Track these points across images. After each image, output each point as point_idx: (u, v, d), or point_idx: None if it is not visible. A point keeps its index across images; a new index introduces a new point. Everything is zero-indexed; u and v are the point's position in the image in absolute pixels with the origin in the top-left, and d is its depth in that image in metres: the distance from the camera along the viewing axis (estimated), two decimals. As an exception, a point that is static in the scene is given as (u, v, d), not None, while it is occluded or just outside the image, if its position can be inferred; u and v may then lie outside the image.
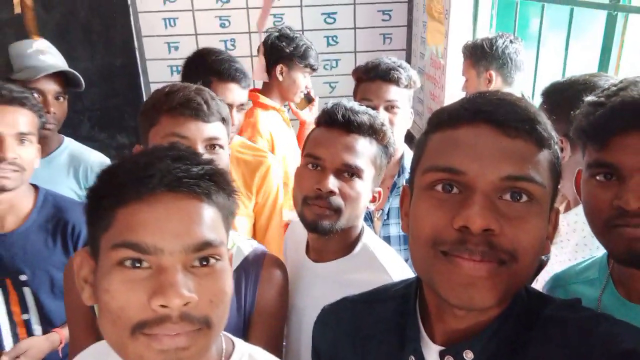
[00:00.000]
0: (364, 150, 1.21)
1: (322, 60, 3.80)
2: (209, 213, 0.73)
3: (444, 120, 0.74)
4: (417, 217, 0.73)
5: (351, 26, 3.82)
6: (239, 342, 0.88)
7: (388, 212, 1.76)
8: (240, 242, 1.25)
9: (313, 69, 2.39)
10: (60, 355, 1.57)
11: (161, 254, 0.68)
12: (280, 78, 2.30)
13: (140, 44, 3.81)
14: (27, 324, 1.55)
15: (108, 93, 3.79)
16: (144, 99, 2.03)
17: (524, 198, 0.68)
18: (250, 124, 2.23)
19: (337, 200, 1.19)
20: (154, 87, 3.41)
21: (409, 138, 1.90)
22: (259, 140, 2.21)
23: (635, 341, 0.67)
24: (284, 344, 1.30)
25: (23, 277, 1.51)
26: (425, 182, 0.73)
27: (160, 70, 3.85)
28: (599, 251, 0.97)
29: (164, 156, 0.73)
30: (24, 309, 1.53)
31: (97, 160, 1.98)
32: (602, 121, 0.88)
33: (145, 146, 1.27)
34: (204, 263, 0.71)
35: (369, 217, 1.75)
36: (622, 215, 0.86)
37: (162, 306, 0.67)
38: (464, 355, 0.72)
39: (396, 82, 1.73)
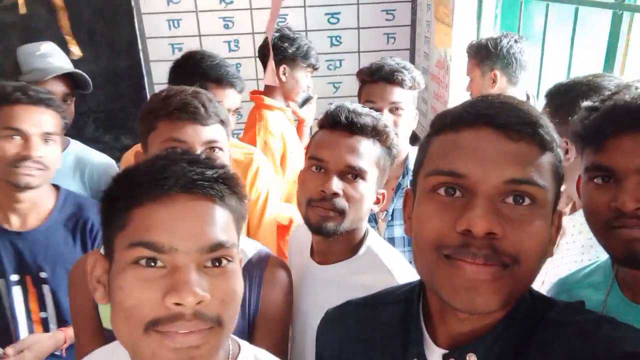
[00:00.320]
0: (367, 152, 1.21)
1: (325, 61, 3.83)
2: (222, 215, 0.75)
3: (446, 123, 0.74)
4: (419, 220, 0.73)
5: (355, 26, 3.81)
6: (244, 344, 0.89)
7: (392, 213, 1.76)
8: (244, 245, 1.25)
9: (314, 68, 2.42)
10: (64, 355, 1.58)
11: (176, 253, 0.70)
12: (283, 79, 2.32)
13: (144, 45, 3.81)
14: (44, 322, 1.57)
15: (112, 95, 3.80)
16: (149, 101, 2.04)
17: (527, 201, 0.68)
18: (262, 126, 2.26)
19: (341, 202, 1.19)
20: (158, 89, 3.42)
21: (413, 139, 1.90)
22: (272, 141, 2.23)
23: (637, 343, 0.67)
24: (289, 347, 1.30)
25: (43, 275, 1.55)
26: (427, 185, 0.73)
27: (164, 71, 3.80)
28: (604, 252, 0.97)
29: (179, 159, 0.76)
30: (42, 307, 1.57)
31: (102, 162, 1.99)
32: (596, 125, 0.90)
33: (145, 151, 1.27)
34: (216, 264, 0.73)
35: (373, 219, 1.75)
36: (620, 217, 0.87)
37: (176, 304, 0.68)
38: (467, 358, 0.73)
39: (400, 83, 1.73)
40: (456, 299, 0.68)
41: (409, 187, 0.84)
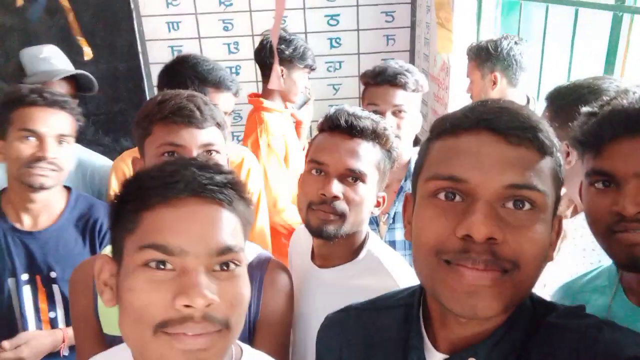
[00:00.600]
0: (367, 155, 1.21)
1: (325, 62, 3.83)
2: (231, 219, 0.76)
3: (446, 128, 0.74)
4: (420, 225, 0.73)
5: (354, 28, 3.81)
6: (247, 348, 0.90)
7: (394, 216, 1.75)
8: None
9: (312, 69, 2.43)
10: (62, 354, 1.58)
11: (186, 255, 0.71)
12: (281, 80, 2.31)
13: (143, 48, 3.81)
14: (52, 323, 1.58)
15: (112, 97, 3.79)
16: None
17: (527, 206, 0.68)
18: (263, 129, 2.26)
19: (341, 205, 1.19)
20: (158, 91, 3.42)
21: (415, 142, 1.90)
22: (275, 143, 2.24)
23: (637, 348, 0.67)
24: (290, 350, 1.30)
25: (53, 275, 1.56)
26: (427, 190, 0.73)
27: (164, 74, 3.85)
28: (606, 255, 0.97)
29: (189, 164, 0.77)
30: (52, 306, 1.58)
31: (104, 164, 2.00)
32: (594, 130, 0.91)
33: (142, 157, 1.27)
34: (225, 268, 0.74)
35: (374, 221, 1.75)
36: (621, 221, 0.88)
37: (186, 306, 0.69)
38: None
39: (403, 86, 1.72)
40: (456, 304, 0.68)
41: (408, 191, 0.84)
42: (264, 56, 2.33)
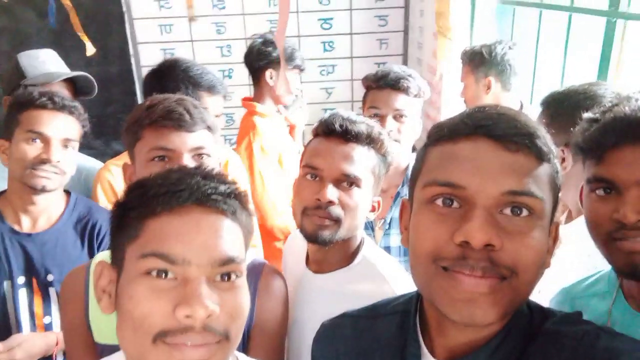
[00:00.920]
0: (362, 159, 1.21)
1: (318, 66, 3.83)
2: (233, 230, 0.76)
3: (444, 134, 0.74)
4: (417, 231, 0.73)
5: (348, 32, 3.82)
6: (242, 357, 0.90)
7: (390, 222, 1.75)
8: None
9: (301, 69, 2.43)
10: (54, 359, 1.57)
11: (188, 265, 0.71)
12: (271, 83, 2.33)
13: (135, 51, 3.80)
14: (47, 328, 1.57)
15: (103, 100, 3.76)
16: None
17: (525, 213, 0.68)
18: (256, 132, 2.26)
19: (336, 210, 1.18)
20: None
21: (412, 148, 1.90)
22: (268, 146, 2.24)
23: (635, 355, 0.67)
24: (285, 357, 1.29)
25: (50, 277, 1.56)
26: (425, 196, 0.72)
27: (156, 77, 3.83)
28: (603, 261, 0.97)
29: (194, 173, 0.78)
30: (47, 311, 1.57)
31: (96, 167, 1.98)
32: (596, 137, 0.91)
33: (132, 163, 1.26)
34: (226, 278, 0.74)
35: (370, 227, 1.75)
36: (622, 229, 0.88)
37: (187, 316, 0.68)
38: None
39: (405, 91, 1.72)
40: (454, 311, 0.68)
41: (405, 197, 0.84)
42: (253, 60, 2.34)
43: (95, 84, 2.02)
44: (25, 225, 1.57)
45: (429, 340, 0.78)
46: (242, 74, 3.72)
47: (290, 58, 2.33)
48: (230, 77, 3.80)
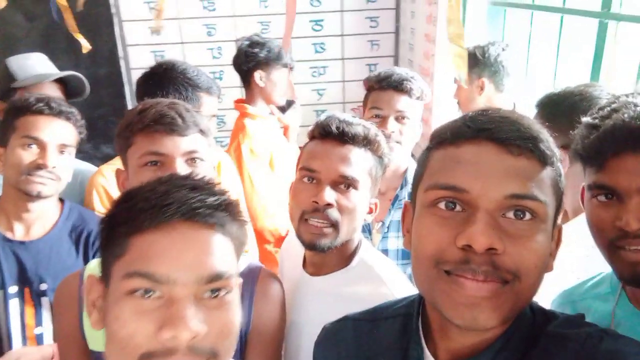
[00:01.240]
0: (359, 161, 1.20)
1: (309, 68, 3.83)
2: (222, 244, 0.74)
3: (447, 137, 0.74)
4: (419, 234, 0.73)
5: (339, 33, 3.82)
6: None
7: (389, 225, 1.74)
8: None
9: (291, 68, 2.42)
10: None
11: (174, 284, 0.69)
12: (261, 84, 2.33)
13: (125, 53, 3.77)
14: (38, 339, 1.55)
15: (93, 103, 3.70)
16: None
17: (528, 216, 0.68)
18: (245, 134, 2.25)
19: (334, 213, 1.17)
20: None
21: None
22: (257, 148, 2.23)
23: (638, 358, 0.67)
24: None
25: (44, 287, 1.54)
26: (427, 199, 0.72)
27: (146, 79, 3.80)
28: (602, 261, 0.97)
29: (181, 186, 0.75)
30: (38, 321, 1.54)
31: (90, 170, 1.95)
32: (596, 144, 0.90)
33: (125, 168, 1.24)
34: (215, 294, 0.72)
35: (367, 229, 1.74)
36: (624, 237, 0.88)
37: (171, 338, 0.67)
38: None
39: (408, 92, 1.72)
40: (457, 315, 0.68)
41: (407, 200, 0.83)
42: (241, 63, 2.33)
43: (87, 84, 2.01)
44: (19, 232, 1.55)
45: (432, 343, 0.78)
46: (233, 76, 3.68)
47: (277, 57, 2.32)
48: (220, 79, 3.79)
